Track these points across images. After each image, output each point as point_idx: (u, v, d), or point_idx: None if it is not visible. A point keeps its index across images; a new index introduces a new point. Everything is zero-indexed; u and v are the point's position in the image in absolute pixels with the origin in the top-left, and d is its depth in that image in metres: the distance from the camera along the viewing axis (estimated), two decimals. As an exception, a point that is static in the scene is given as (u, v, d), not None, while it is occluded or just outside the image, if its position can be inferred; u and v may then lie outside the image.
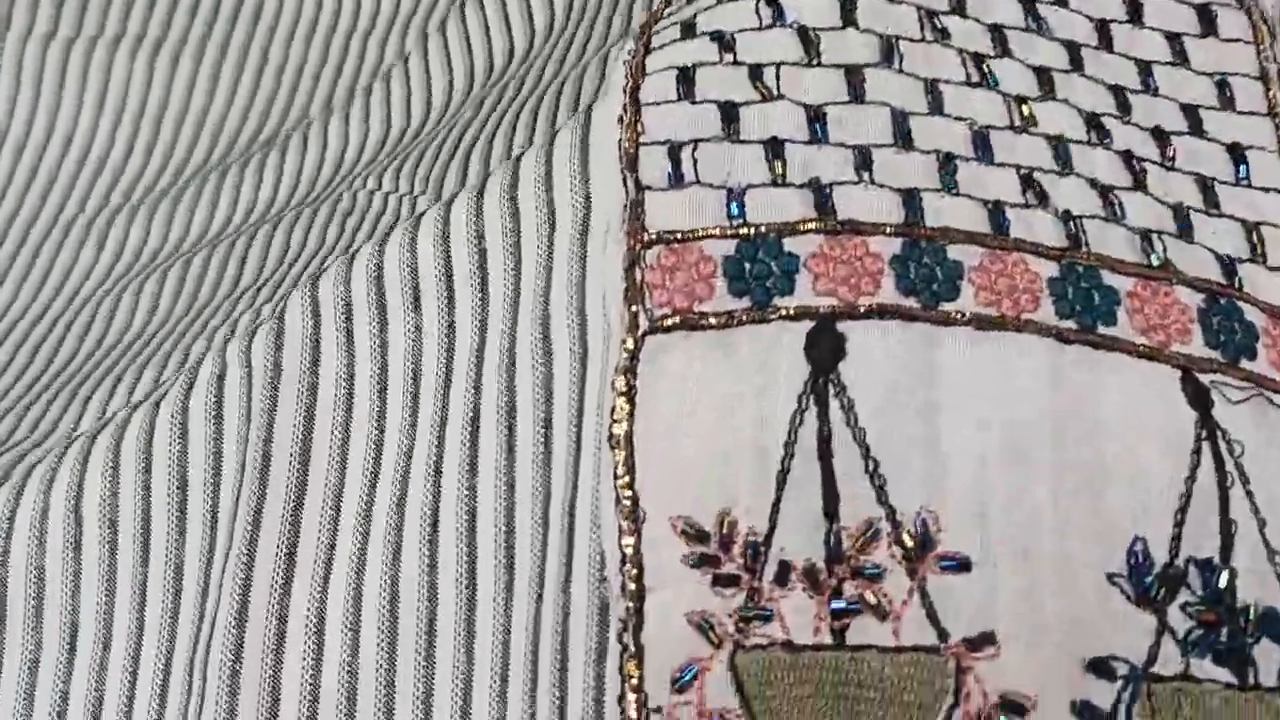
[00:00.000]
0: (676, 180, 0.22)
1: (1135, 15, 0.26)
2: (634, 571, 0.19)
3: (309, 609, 0.22)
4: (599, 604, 0.19)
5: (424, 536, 0.22)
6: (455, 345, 0.23)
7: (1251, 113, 0.25)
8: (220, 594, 0.22)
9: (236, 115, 0.39)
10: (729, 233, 0.22)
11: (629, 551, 0.19)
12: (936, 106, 0.24)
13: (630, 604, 0.19)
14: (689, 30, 0.25)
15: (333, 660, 0.21)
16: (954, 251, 0.22)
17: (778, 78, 0.24)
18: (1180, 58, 0.25)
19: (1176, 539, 0.19)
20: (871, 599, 0.18)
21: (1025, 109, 0.24)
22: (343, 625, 0.21)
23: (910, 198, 0.22)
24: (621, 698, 0.18)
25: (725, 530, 0.19)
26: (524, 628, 0.20)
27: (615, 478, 0.19)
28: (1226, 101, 0.25)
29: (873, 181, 0.23)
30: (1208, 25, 0.26)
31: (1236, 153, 0.24)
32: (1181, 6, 0.26)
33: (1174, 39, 0.26)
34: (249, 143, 0.39)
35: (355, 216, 0.35)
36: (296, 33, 0.40)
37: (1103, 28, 0.26)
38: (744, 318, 0.21)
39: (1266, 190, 0.24)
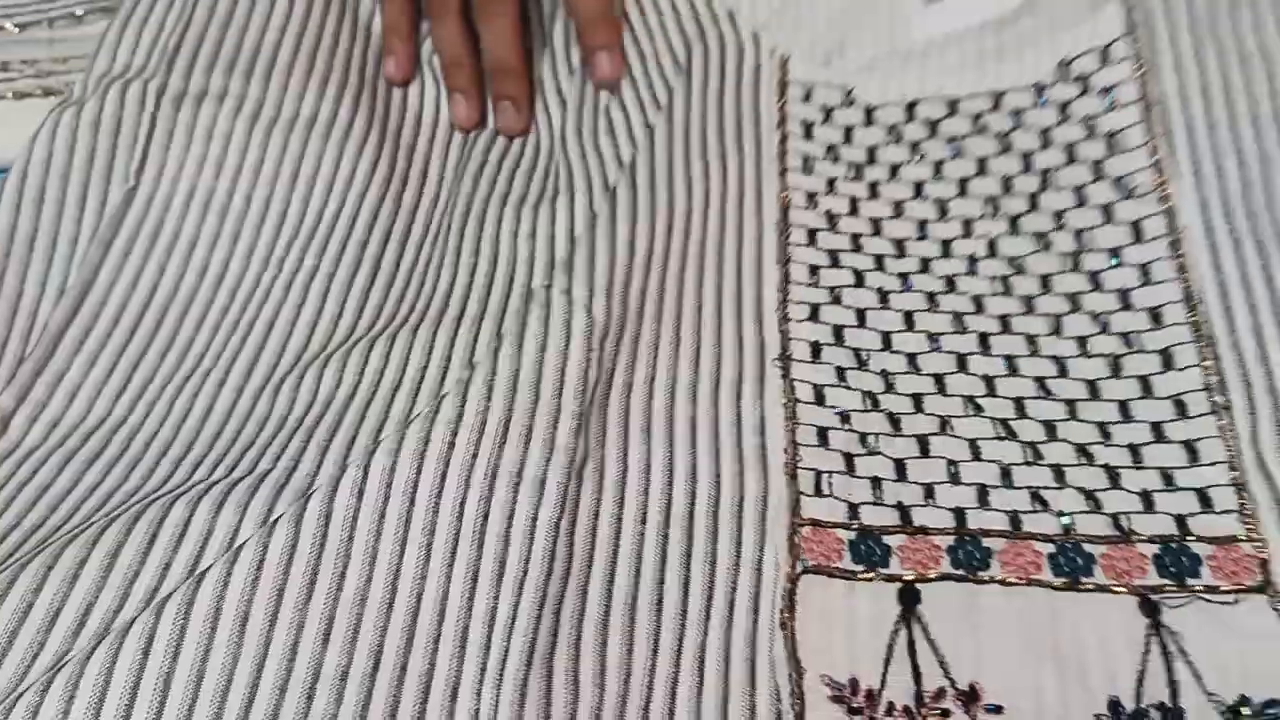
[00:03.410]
0: (820, 493, 0.37)
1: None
2: (798, 704, 0.32)
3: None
4: (777, 717, 0.32)
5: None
6: None
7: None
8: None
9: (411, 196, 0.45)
10: (851, 528, 0.36)
11: (794, 689, 0.32)
12: (975, 454, 0.38)
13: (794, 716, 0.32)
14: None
15: None
16: (987, 541, 0.36)
17: (877, 439, 0.38)
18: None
19: (1139, 693, 0.32)
20: (944, 726, 0.31)
21: (1035, 449, 0.37)
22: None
23: (959, 514, 0.36)
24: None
25: (853, 684, 0.32)
26: None
27: (785, 648, 0.33)
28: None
29: (935, 505, 0.37)
30: None
31: (1191, 450, 0.37)
32: None
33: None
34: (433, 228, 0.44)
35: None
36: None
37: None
38: (861, 576, 0.35)
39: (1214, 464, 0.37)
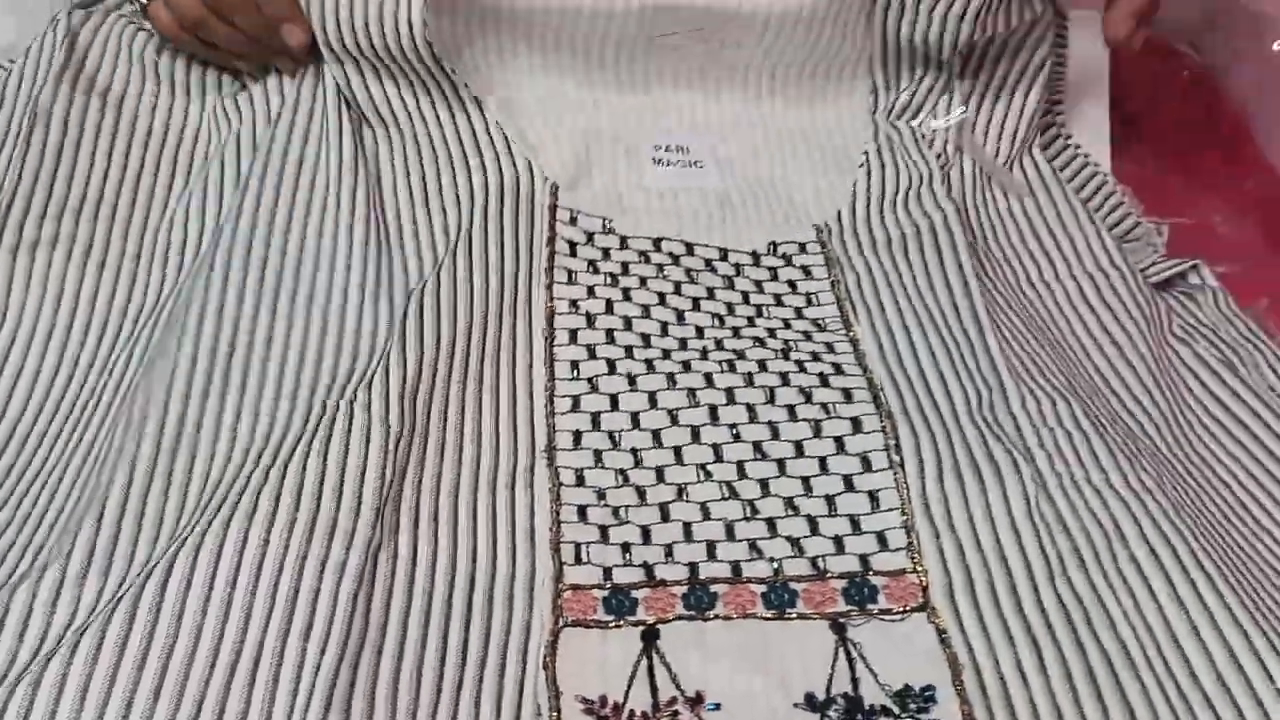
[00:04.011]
0: (579, 562, 0.45)
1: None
2: (556, 715, 0.39)
3: None
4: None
5: None
6: None
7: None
8: None
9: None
10: (605, 588, 0.44)
11: (552, 703, 0.39)
12: (705, 515, 0.47)
13: None
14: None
15: None
16: (714, 587, 0.44)
17: (627, 510, 0.47)
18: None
19: (828, 687, 0.41)
20: (673, 725, 0.39)
21: (753, 505, 0.46)
22: None
23: (692, 567, 0.45)
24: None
25: (602, 700, 0.40)
26: None
27: (546, 679, 0.40)
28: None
29: (674, 561, 0.45)
30: None
31: (874, 498, 0.47)
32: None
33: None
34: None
35: None
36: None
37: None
38: (613, 625, 0.43)
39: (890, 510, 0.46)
